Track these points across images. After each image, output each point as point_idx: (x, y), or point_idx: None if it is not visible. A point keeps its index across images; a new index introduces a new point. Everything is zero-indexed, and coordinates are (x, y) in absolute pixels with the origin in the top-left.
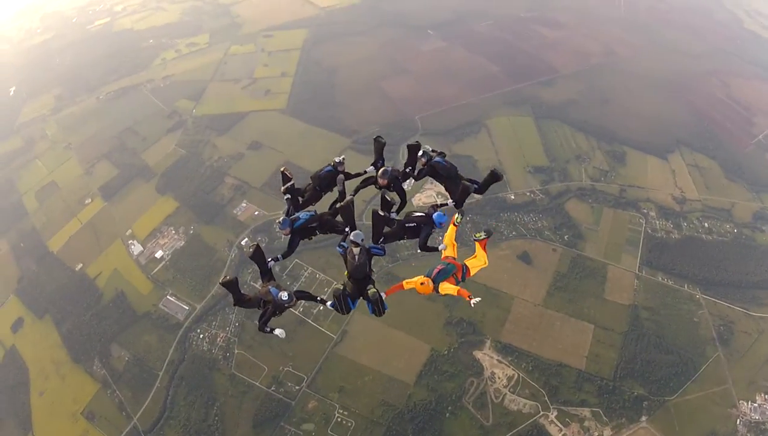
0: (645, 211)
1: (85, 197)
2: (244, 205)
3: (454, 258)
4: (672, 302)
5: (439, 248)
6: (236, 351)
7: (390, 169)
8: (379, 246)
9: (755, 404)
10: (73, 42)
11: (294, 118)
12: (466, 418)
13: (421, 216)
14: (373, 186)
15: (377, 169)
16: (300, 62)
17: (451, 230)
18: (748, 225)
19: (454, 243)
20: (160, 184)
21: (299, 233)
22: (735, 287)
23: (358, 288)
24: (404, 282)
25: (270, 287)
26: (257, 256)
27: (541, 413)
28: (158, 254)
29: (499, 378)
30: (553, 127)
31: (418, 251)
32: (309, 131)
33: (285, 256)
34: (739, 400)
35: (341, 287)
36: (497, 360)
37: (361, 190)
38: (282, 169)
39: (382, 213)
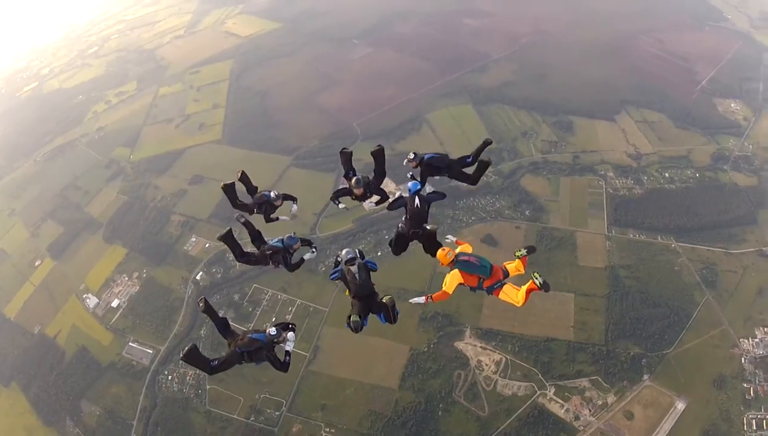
0: (602, 173)
1: (35, 260)
2: (194, 239)
3: (504, 273)
4: (649, 256)
5: (446, 238)
6: (208, 386)
7: (361, 177)
8: (371, 260)
9: (756, 340)
10: (5, 111)
11: (231, 146)
12: (461, 412)
13: (398, 198)
14: (349, 197)
15: (349, 181)
16: (230, 92)
17: (518, 263)
18: (709, 167)
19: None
20: (106, 233)
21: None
22: (709, 229)
23: (365, 305)
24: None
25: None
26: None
27: (538, 392)
28: (114, 303)
29: (486, 365)
30: (493, 111)
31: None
32: (248, 156)
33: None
34: (740, 338)
35: (357, 319)
36: (481, 347)
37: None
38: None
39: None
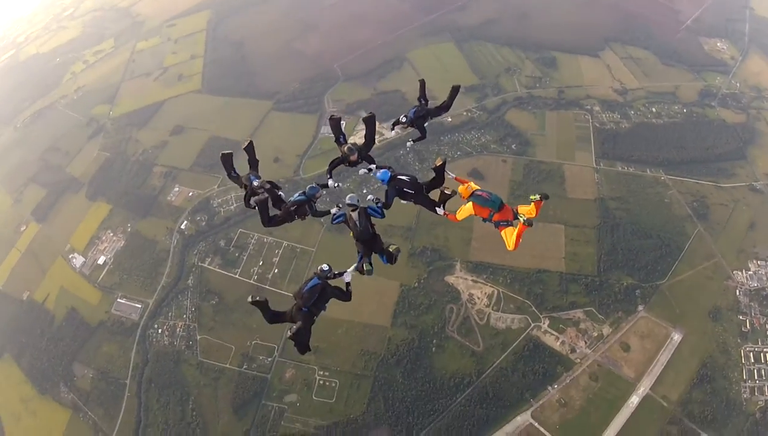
0: (588, 107)
1: (19, 226)
2: (177, 189)
3: (515, 214)
4: (638, 188)
5: (438, 211)
6: (198, 337)
7: (353, 145)
8: (377, 208)
9: (750, 272)
10: None
11: (211, 95)
12: (455, 348)
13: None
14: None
15: (340, 146)
16: (207, 42)
17: (531, 207)
18: (697, 103)
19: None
20: (89, 191)
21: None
22: (698, 163)
23: (369, 248)
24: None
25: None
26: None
27: (532, 324)
28: (101, 260)
29: (479, 298)
30: (476, 48)
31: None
32: (229, 104)
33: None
34: (733, 270)
35: (371, 268)
36: (472, 281)
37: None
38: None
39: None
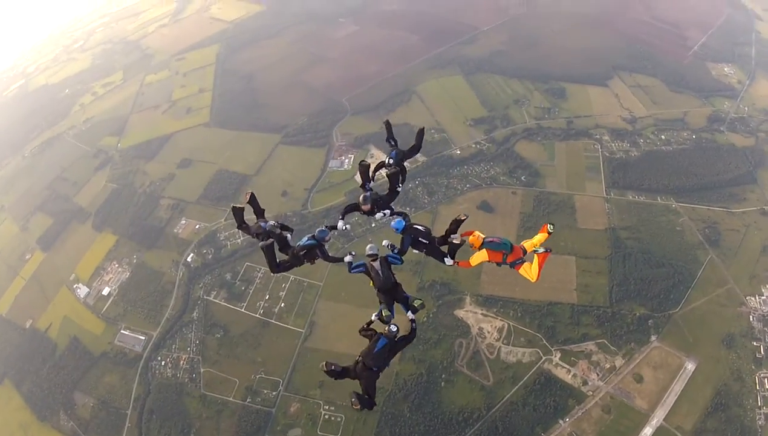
0: (597, 136)
1: (24, 253)
2: (184, 221)
3: (523, 251)
4: (649, 217)
5: (446, 261)
6: (202, 370)
7: (369, 194)
8: (395, 255)
9: (763, 297)
10: None
11: (219, 128)
12: (464, 382)
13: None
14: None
15: (365, 190)
16: (216, 76)
17: (541, 236)
18: (706, 129)
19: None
20: (96, 222)
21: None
22: (709, 189)
23: (391, 297)
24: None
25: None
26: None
27: (544, 358)
28: (105, 291)
29: (488, 332)
30: (484, 80)
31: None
32: (237, 137)
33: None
34: (746, 296)
35: (389, 313)
36: (482, 314)
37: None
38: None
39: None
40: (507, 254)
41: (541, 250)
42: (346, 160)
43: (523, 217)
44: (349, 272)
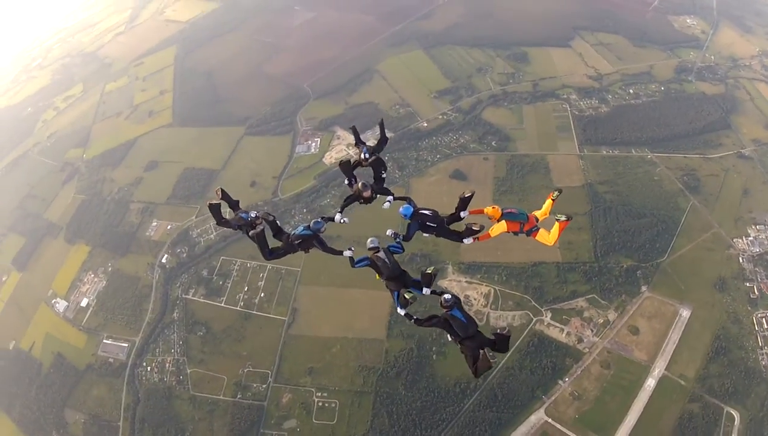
0: (565, 96)
1: (0, 276)
2: (155, 224)
3: (536, 219)
4: (625, 170)
5: (462, 214)
6: (189, 370)
7: (367, 182)
8: (397, 244)
9: (750, 238)
10: None
11: (183, 127)
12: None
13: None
14: (357, 202)
15: (351, 185)
16: (176, 76)
17: (548, 203)
18: (674, 80)
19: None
20: (67, 235)
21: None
22: (683, 137)
23: (401, 284)
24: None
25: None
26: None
27: (534, 319)
28: (83, 303)
29: (475, 299)
30: (445, 52)
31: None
32: (201, 134)
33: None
34: (733, 239)
35: (412, 293)
36: (466, 282)
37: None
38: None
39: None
40: (524, 223)
41: (563, 218)
42: (313, 145)
43: (497, 181)
44: (353, 266)
